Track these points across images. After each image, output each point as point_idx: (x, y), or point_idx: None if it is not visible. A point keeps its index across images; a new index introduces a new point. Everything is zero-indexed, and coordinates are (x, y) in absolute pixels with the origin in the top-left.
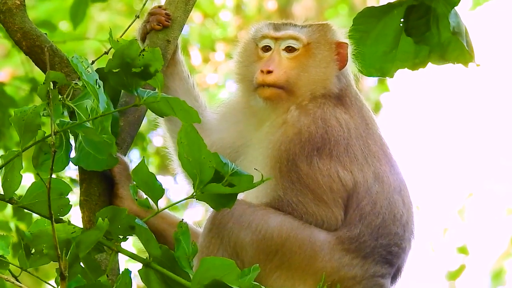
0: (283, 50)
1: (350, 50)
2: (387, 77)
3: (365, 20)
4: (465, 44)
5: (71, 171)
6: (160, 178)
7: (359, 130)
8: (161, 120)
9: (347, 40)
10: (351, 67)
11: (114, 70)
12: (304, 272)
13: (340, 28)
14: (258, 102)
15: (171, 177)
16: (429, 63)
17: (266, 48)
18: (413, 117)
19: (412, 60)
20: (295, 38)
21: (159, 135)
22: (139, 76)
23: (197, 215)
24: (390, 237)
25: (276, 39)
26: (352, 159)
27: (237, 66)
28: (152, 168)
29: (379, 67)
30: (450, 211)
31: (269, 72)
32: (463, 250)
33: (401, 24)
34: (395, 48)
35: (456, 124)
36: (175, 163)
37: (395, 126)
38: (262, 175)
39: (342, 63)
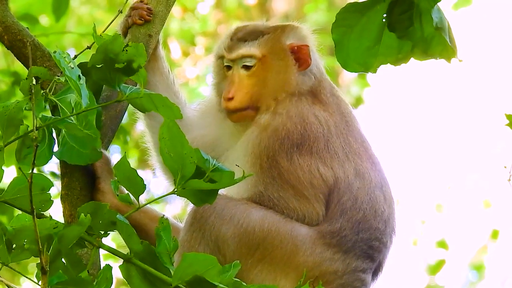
0: (241, 68)
1: (313, 48)
2: (370, 72)
3: (349, 15)
4: (448, 40)
5: (52, 165)
6: (140, 172)
7: (339, 128)
8: (141, 115)
9: (309, 37)
10: (322, 62)
11: (97, 66)
12: (285, 266)
13: (301, 26)
14: (229, 121)
15: (150, 170)
16: (412, 58)
17: (228, 67)
18: (392, 111)
19: (395, 55)
20: (249, 56)
21: (139, 129)
22: (122, 71)
23: (176, 208)
24: (371, 231)
25: (232, 60)
26: (333, 156)
27: (212, 77)
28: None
29: (363, 62)
30: (428, 205)
31: (230, 99)
32: (442, 245)
33: (384, 19)
34: (378, 43)
35: (435, 118)
36: (154, 158)
37: (375, 120)
38: (243, 171)
39: (305, 64)
